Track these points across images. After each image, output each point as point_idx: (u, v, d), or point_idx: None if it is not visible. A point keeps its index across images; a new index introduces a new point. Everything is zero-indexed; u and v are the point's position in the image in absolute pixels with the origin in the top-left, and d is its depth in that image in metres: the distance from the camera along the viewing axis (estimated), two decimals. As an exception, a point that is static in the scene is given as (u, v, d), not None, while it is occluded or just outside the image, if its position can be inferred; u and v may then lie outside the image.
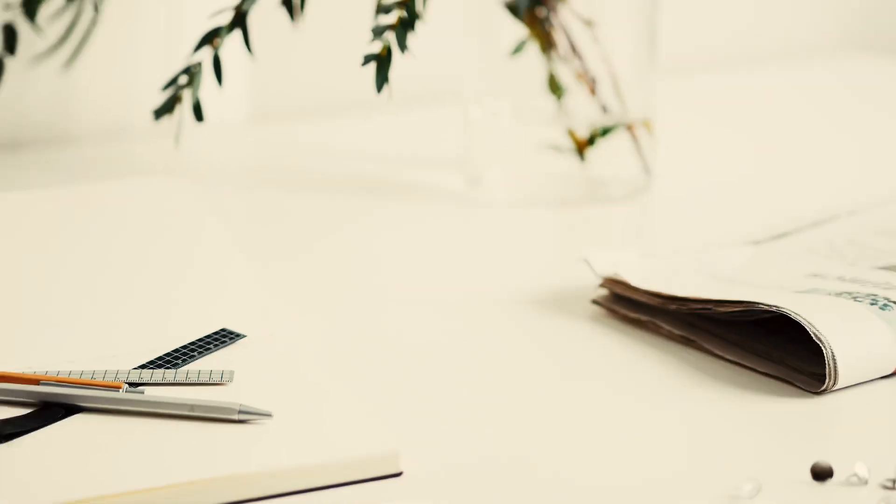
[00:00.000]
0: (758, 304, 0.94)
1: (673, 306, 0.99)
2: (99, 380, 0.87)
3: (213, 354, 0.92)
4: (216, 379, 0.88)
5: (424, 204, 1.30)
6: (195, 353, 0.92)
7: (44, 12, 1.31)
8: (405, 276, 1.14)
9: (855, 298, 0.95)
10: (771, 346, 0.94)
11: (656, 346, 0.98)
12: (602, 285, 1.04)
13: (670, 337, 0.99)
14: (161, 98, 1.17)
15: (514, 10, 1.27)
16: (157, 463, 0.80)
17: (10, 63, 1.34)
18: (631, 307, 1.02)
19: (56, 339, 0.93)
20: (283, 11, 1.16)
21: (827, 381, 0.90)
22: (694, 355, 0.97)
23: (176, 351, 0.92)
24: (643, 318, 1.01)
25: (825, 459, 0.81)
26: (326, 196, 1.31)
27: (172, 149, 1.32)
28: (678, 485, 0.81)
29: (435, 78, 1.56)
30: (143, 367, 0.90)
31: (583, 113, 1.29)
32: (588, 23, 1.27)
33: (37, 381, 0.86)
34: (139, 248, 1.05)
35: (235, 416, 0.84)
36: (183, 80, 1.16)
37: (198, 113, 1.15)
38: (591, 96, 1.28)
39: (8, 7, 1.27)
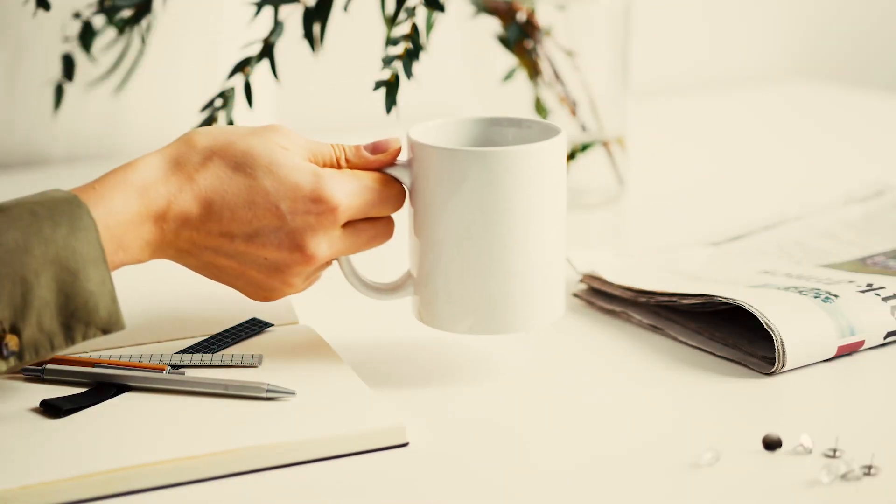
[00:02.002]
0: (716, 297, 0.94)
1: (642, 299, 0.99)
2: (146, 363, 0.87)
3: (244, 341, 0.92)
4: (247, 362, 0.88)
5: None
6: (229, 340, 0.92)
7: (97, 44, 1.32)
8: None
9: (801, 292, 0.95)
10: (727, 333, 0.95)
11: (628, 333, 0.98)
12: (582, 280, 1.04)
13: (640, 325, 0.99)
14: (199, 118, 1.17)
15: (505, 42, 1.27)
16: (196, 434, 0.80)
17: (69, 88, 1.35)
18: (606, 300, 1.02)
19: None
20: (305, 43, 1.17)
21: (776, 363, 0.90)
22: (660, 341, 0.97)
23: (212, 338, 0.92)
24: (617, 309, 1.01)
25: (775, 432, 0.81)
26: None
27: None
28: (647, 454, 0.81)
29: (437, 101, 1.56)
30: (183, 351, 0.90)
31: (565, 131, 1.29)
32: (569, 53, 1.27)
33: (92, 364, 0.86)
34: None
35: (264, 394, 0.84)
36: (218, 102, 1.16)
37: (231, 131, 1.15)
38: (571, 117, 1.29)
39: (66, 40, 1.27)
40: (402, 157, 0.89)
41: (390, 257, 0.95)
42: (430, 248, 0.88)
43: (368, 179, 0.87)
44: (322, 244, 0.85)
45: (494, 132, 0.92)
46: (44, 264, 0.77)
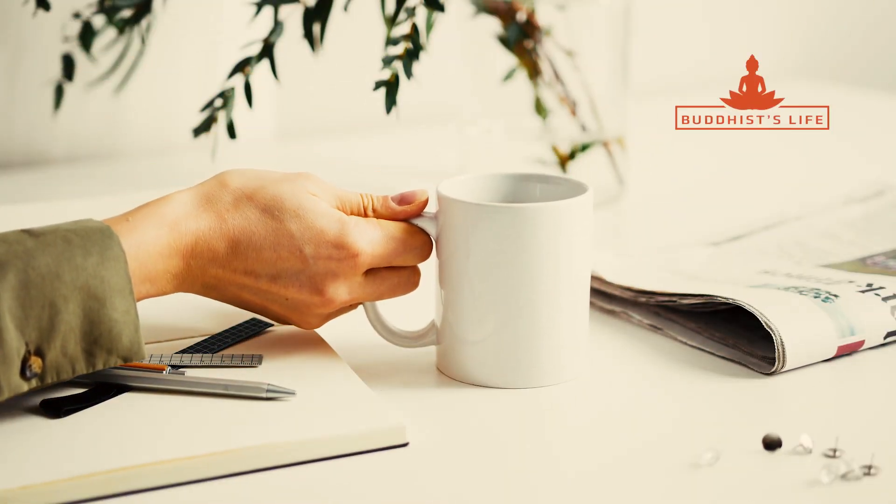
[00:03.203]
0: (716, 297, 0.94)
1: (642, 299, 0.99)
2: (146, 362, 0.87)
3: (244, 341, 0.92)
4: (247, 362, 0.88)
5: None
6: (229, 340, 0.92)
7: (97, 44, 1.32)
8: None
9: (801, 292, 0.95)
10: (727, 333, 0.95)
11: (628, 333, 0.98)
12: (581, 281, 1.04)
13: (640, 325, 0.99)
14: (199, 118, 1.18)
15: (505, 42, 1.27)
16: (196, 434, 0.80)
17: (69, 88, 1.35)
18: (606, 300, 1.02)
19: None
20: (305, 43, 1.17)
21: (776, 363, 0.90)
22: (660, 341, 0.97)
23: (212, 338, 0.92)
24: (617, 309, 1.01)
25: (775, 432, 0.81)
26: (342, 203, 1.31)
27: (209, 162, 1.32)
28: (647, 454, 0.81)
29: (436, 101, 1.56)
30: (183, 351, 0.90)
31: (565, 131, 1.29)
32: (569, 53, 1.27)
33: (92, 364, 0.86)
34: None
35: (264, 395, 0.84)
36: (218, 102, 1.16)
37: (231, 131, 1.15)
38: (571, 117, 1.29)
39: (66, 40, 1.27)
40: (431, 210, 0.90)
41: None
42: (455, 300, 0.89)
43: (393, 229, 0.88)
44: (341, 289, 0.87)
45: (522, 188, 0.93)
46: (73, 291, 0.79)
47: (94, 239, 0.81)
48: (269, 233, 0.86)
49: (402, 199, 0.90)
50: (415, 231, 0.89)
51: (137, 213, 0.85)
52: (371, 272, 0.88)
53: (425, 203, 0.90)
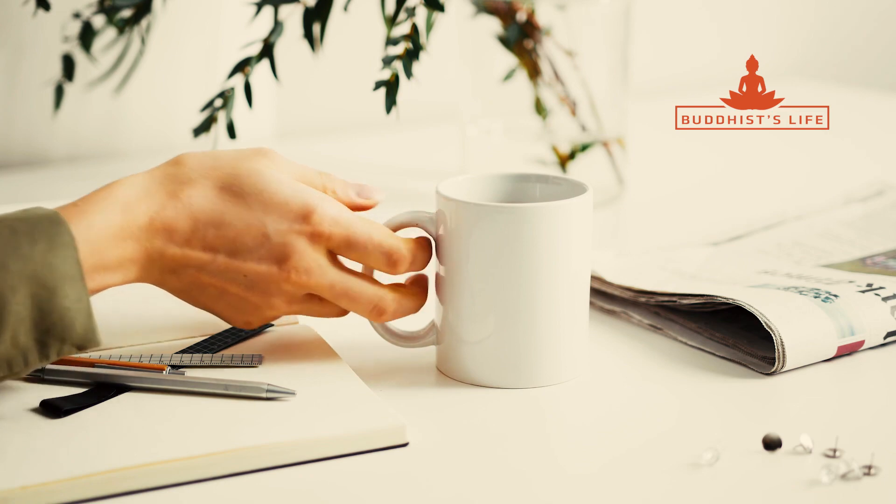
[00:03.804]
0: (716, 297, 0.94)
1: (642, 299, 0.99)
2: (146, 362, 0.87)
3: (244, 341, 0.92)
4: (247, 362, 0.88)
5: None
6: (229, 340, 0.92)
7: (97, 44, 1.32)
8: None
9: (800, 292, 0.95)
10: (727, 333, 0.95)
11: (628, 333, 0.98)
12: (581, 281, 1.04)
13: (640, 325, 0.99)
14: (199, 118, 1.18)
15: (504, 42, 1.27)
16: (196, 435, 0.80)
17: (69, 88, 1.35)
18: (606, 300, 1.02)
19: (109, 329, 0.93)
20: (305, 43, 1.17)
21: (776, 363, 0.90)
22: (660, 341, 0.97)
23: (212, 337, 0.92)
24: (617, 309, 1.01)
25: (775, 431, 0.81)
26: (342, 203, 1.31)
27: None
28: (647, 454, 0.81)
29: (436, 101, 1.56)
30: (183, 351, 0.90)
31: (564, 131, 1.29)
32: (569, 53, 1.27)
33: (92, 364, 0.86)
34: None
35: (264, 395, 0.84)
36: (218, 102, 1.16)
37: (231, 131, 1.15)
38: (571, 117, 1.29)
39: (66, 40, 1.27)
40: (430, 210, 0.90)
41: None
42: (454, 300, 0.89)
43: (363, 220, 0.86)
44: (302, 261, 0.85)
45: (522, 188, 0.93)
46: (20, 280, 0.77)
47: (41, 226, 0.79)
48: (228, 208, 0.84)
49: (361, 191, 0.88)
50: (390, 235, 0.87)
51: (88, 198, 0.82)
52: (339, 264, 0.86)
53: (376, 203, 0.88)
